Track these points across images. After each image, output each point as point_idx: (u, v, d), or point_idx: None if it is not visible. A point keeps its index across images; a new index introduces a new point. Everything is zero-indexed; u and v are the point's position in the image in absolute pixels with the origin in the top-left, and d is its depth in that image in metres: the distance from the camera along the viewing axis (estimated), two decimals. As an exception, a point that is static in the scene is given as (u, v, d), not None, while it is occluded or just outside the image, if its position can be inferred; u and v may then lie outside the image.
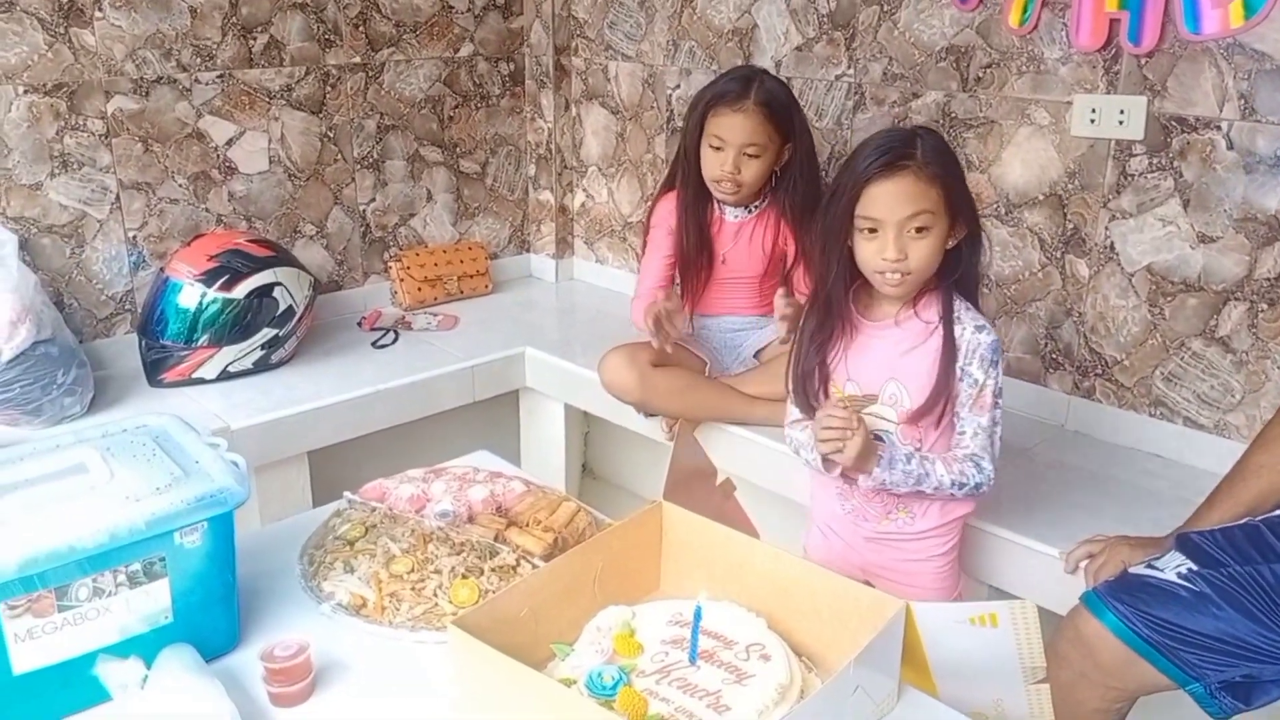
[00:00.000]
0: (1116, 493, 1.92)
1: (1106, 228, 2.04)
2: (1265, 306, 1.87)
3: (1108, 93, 1.98)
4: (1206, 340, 1.96)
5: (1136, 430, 2.08)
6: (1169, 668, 1.37)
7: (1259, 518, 1.43)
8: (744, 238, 2.20)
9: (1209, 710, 1.38)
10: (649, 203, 2.73)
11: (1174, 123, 1.92)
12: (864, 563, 1.68)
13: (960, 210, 1.51)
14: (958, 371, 1.54)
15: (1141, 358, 2.05)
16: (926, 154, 1.48)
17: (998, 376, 1.55)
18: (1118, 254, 2.04)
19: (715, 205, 2.21)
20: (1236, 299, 1.91)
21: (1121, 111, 1.96)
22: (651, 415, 2.25)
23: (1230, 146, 1.86)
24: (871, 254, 1.50)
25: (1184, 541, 1.45)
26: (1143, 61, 1.93)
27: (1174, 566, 1.41)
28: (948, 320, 1.54)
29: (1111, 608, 1.40)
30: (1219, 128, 1.87)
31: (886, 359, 1.57)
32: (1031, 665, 1.13)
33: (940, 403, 1.54)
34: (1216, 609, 1.35)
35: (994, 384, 1.54)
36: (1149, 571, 1.43)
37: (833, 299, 1.58)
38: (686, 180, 2.18)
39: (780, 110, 2.08)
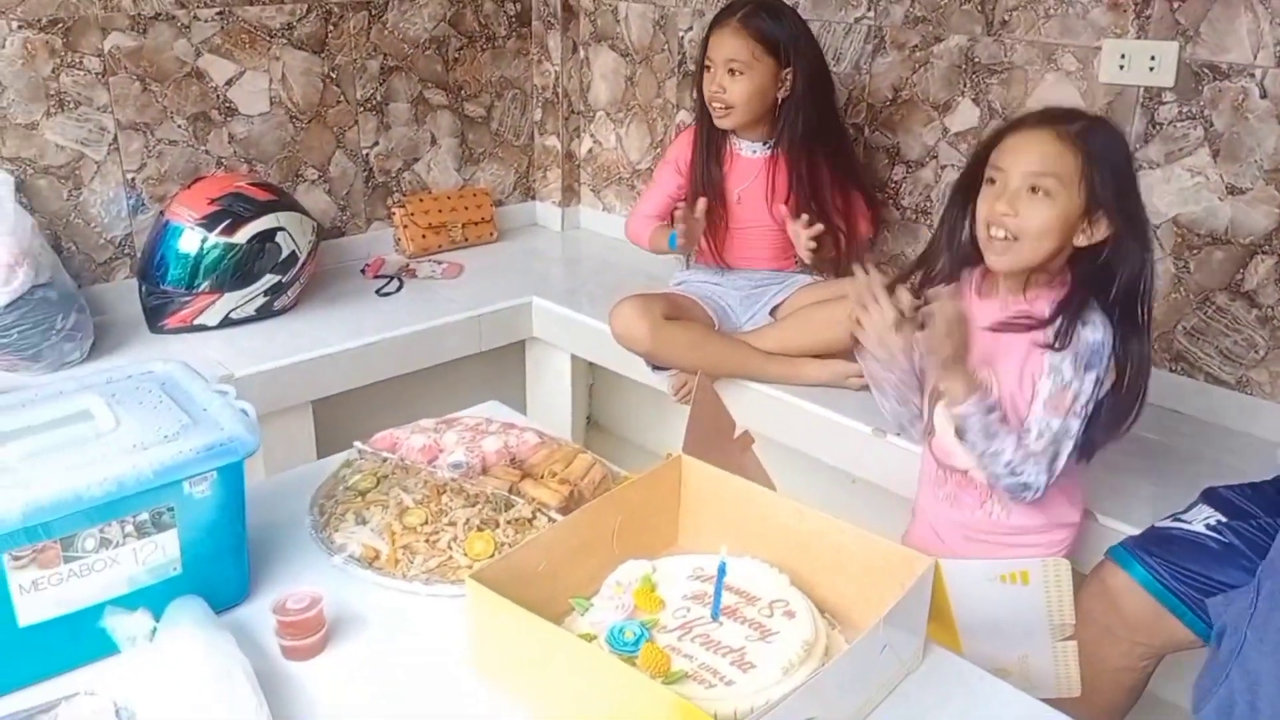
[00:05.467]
0: (1137, 451, 1.88)
1: (1132, 178, 1.99)
2: (1294, 260, 1.84)
3: (1138, 37, 1.92)
4: (1232, 294, 1.92)
5: (1157, 386, 2.01)
6: (1195, 622, 1.35)
7: (1289, 472, 1.41)
8: (759, 176, 2.16)
9: (1235, 669, 1.36)
10: (659, 148, 2.69)
11: (1206, 69, 1.86)
12: None
13: (1106, 204, 1.36)
14: (1046, 367, 1.40)
15: (1165, 312, 2.01)
16: (1084, 128, 1.38)
17: (1089, 382, 1.39)
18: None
19: (731, 140, 2.17)
20: (1264, 252, 1.86)
21: (1152, 57, 1.90)
22: (660, 369, 2.21)
23: (1263, 95, 1.81)
24: (986, 204, 1.40)
25: (1211, 494, 1.43)
26: (1175, 5, 1.86)
27: (1202, 519, 1.39)
28: (1067, 320, 1.38)
29: (1140, 560, 1.38)
30: (1253, 75, 1.81)
31: (983, 344, 1.45)
32: (1060, 622, 1.11)
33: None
34: (1245, 560, 1.33)
35: (1079, 387, 1.38)
36: (1176, 524, 1.41)
37: (952, 259, 1.48)
38: (702, 113, 2.17)
39: (768, 31, 2.07)
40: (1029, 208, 1.36)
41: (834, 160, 2.14)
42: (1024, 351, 1.42)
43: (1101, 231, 1.37)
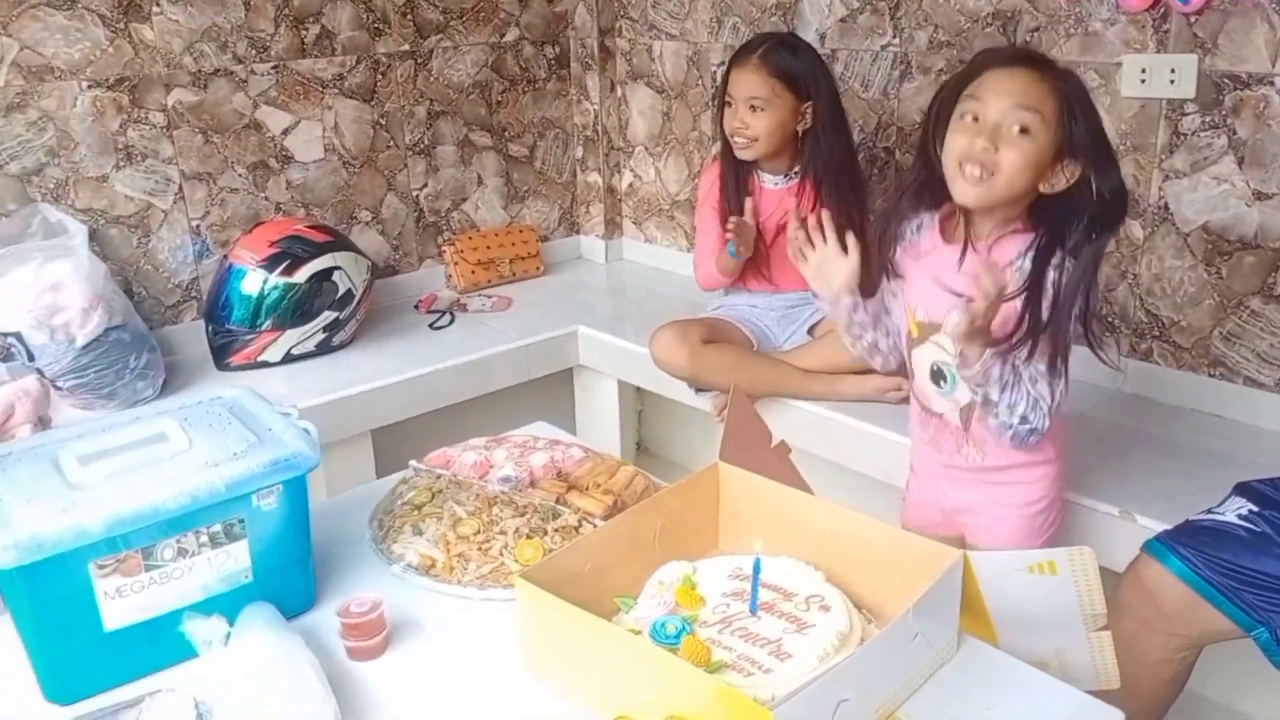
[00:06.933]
0: (1177, 454, 1.91)
1: (1160, 188, 2.02)
2: (1325, 261, 1.85)
3: (1158, 52, 1.96)
4: (1265, 298, 1.94)
5: (1196, 391, 2.06)
6: (1233, 610, 1.37)
7: (1322, 464, 1.43)
8: (784, 206, 2.21)
9: (1275, 659, 1.37)
10: (696, 180, 2.77)
11: (1226, 80, 1.90)
12: (948, 505, 1.62)
13: (1081, 149, 1.36)
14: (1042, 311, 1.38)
15: (1199, 318, 2.03)
16: (1063, 71, 1.40)
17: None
18: (1172, 214, 2.02)
19: (756, 174, 2.23)
20: (1295, 255, 1.89)
21: (1172, 70, 1.94)
22: (703, 390, 2.27)
23: (1285, 101, 1.84)
24: (964, 139, 1.37)
25: (1243, 486, 1.45)
26: (1192, 19, 1.90)
27: (1234, 509, 1.41)
28: (1037, 259, 1.38)
29: (1175, 551, 1.40)
30: (1272, 83, 1.84)
31: (954, 288, 1.42)
32: (1092, 612, 1.13)
33: (994, 332, 1.37)
34: (1278, 548, 1.35)
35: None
36: (1209, 516, 1.43)
37: (914, 199, 1.50)
38: (725, 148, 2.24)
39: (786, 68, 2.13)
40: (1009, 144, 1.36)
41: (854, 187, 2.20)
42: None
43: (1072, 173, 1.38)
